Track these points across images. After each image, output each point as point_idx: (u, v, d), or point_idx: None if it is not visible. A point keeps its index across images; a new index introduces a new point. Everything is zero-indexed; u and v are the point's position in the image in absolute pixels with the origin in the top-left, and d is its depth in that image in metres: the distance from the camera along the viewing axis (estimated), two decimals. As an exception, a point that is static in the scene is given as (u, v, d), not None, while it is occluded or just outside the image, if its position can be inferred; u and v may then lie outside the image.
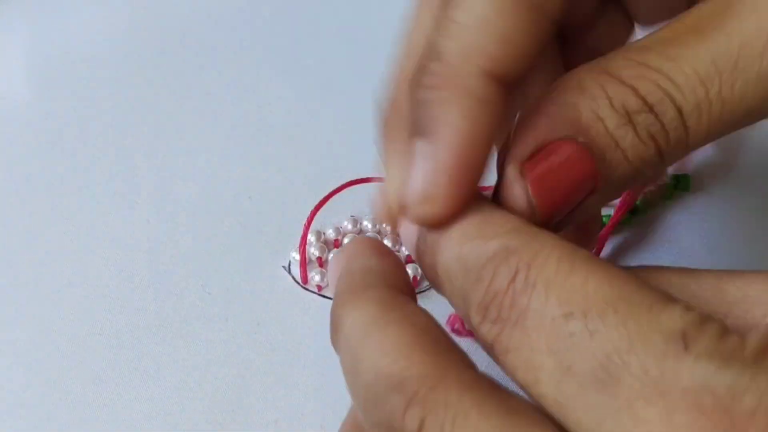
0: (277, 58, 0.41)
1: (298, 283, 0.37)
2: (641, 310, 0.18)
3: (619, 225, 0.38)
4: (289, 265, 0.38)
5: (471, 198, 0.22)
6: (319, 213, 0.39)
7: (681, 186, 0.38)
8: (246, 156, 0.39)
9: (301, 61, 0.41)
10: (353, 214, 0.39)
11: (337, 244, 0.38)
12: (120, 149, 0.40)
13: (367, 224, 0.38)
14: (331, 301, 0.36)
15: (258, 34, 0.41)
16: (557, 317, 0.19)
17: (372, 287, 0.23)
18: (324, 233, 0.38)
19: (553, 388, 0.19)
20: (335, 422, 0.35)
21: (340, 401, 0.35)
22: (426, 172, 0.22)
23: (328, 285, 0.37)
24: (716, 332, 0.18)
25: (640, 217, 0.38)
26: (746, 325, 0.21)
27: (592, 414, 0.18)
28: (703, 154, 0.39)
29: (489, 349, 0.21)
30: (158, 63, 0.41)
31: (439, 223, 0.22)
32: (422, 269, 0.24)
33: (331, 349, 0.36)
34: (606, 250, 0.38)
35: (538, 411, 0.19)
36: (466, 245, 0.21)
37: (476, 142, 0.22)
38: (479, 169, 0.23)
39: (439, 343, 0.21)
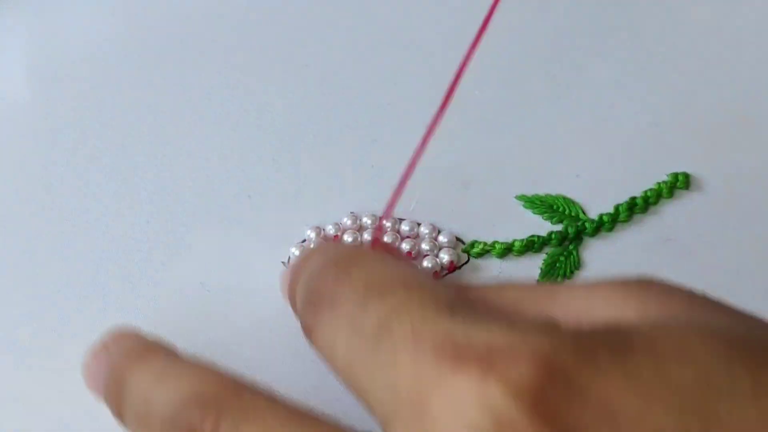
0: (278, 56, 0.41)
1: (298, 279, 0.37)
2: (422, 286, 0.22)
3: (617, 223, 0.38)
4: (288, 260, 0.37)
5: None
6: (317, 209, 0.39)
7: (680, 184, 0.38)
8: (245, 153, 0.39)
9: (301, 59, 0.41)
10: (353, 210, 0.38)
11: (336, 240, 0.38)
12: (118, 147, 0.40)
13: (366, 220, 0.38)
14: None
15: (258, 33, 0.41)
16: (359, 292, 0.22)
17: (150, 348, 0.27)
18: (323, 229, 0.38)
19: (344, 354, 0.22)
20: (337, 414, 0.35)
21: (340, 400, 0.35)
22: None
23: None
24: (470, 303, 0.21)
25: (638, 215, 0.38)
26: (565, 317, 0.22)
27: (369, 368, 0.21)
28: (701, 151, 0.39)
29: (305, 332, 0.24)
30: (158, 62, 0.41)
31: None
32: None
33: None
34: (605, 248, 0.38)
35: (329, 418, 0.22)
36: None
37: None
38: None
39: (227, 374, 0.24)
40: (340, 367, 0.22)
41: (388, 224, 0.38)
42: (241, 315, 0.36)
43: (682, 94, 0.40)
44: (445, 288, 0.22)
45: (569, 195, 0.39)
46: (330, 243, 0.27)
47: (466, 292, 0.24)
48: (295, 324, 0.36)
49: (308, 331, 0.24)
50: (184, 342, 0.35)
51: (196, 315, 0.36)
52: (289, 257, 0.37)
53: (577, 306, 0.22)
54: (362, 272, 0.23)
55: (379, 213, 0.38)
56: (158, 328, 0.36)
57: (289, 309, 0.36)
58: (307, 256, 0.27)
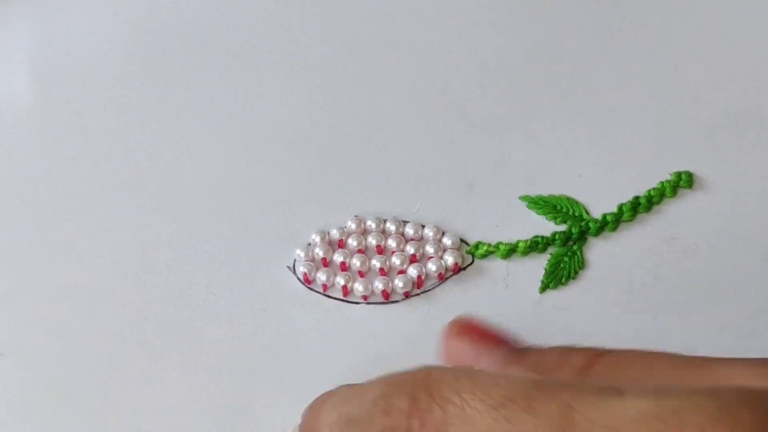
0: (283, 58, 0.41)
1: (302, 282, 0.37)
2: (563, 385, 0.21)
3: (620, 222, 0.38)
4: (294, 264, 0.38)
5: None
6: (323, 213, 0.39)
7: (683, 183, 0.38)
8: (251, 156, 0.40)
9: (305, 61, 0.41)
10: (357, 213, 0.39)
11: (341, 244, 0.38)
12: (123, 150, 0.40)
13: (371, 224, 0.38)
14: (335, 302, 0.37)
15: (263, 34, 0.42)
16: (488, 411, 0.20)
17: None
18: (328, 233, 0.38)
19: None
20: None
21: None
22: None
23: (334, 285, 0.37)
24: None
25: (642, 214, 0.38)
26: None
27: None
28: (705, 151, 0.39)
29: None
30: (162, 63, 0.41)
31: None
32: None
33: (336, 349, 0.36)
34: (609, 248, 0.38)
35: None
36: (344, 405, 0.23)
37: None
38: None
39: None
40: None
41: (392, 227, 0.38)
42: (246, 317, 0.37)
43: (686, 93, 0.40)
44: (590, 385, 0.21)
45: (573, 195, 0.39)
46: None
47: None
48: (299, 325, 0.36)
49: None
50: (188, 343, 0.36)
51: (201, 317, 0.37)
52: (295, 260, 0.38)
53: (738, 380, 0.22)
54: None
55: (384, 216, 0.39)
56: (163, 329, 0.36)
57: (294, 310, 0.36)
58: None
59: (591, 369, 0.23)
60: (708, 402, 0.19)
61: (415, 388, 0.22)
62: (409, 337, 0.36)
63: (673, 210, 0.38)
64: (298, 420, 0.35)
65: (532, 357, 0.24)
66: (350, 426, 0.22)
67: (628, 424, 0.19)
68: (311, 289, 0.37)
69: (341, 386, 0.25)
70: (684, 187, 0.39)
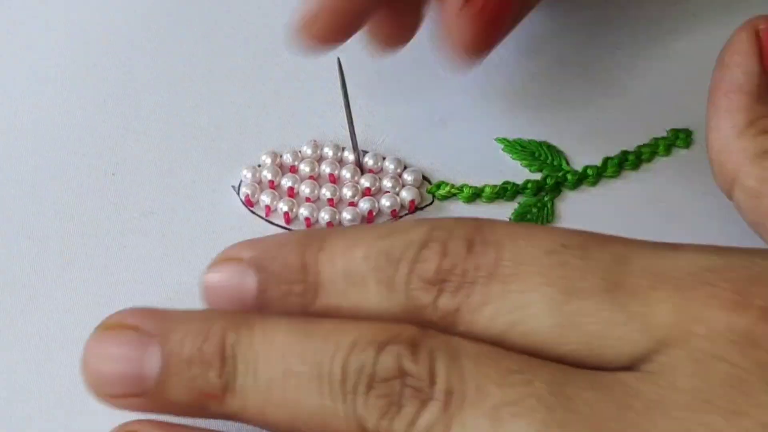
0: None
1: (244, 204, 0.34)
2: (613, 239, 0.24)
3: (602, 177, 0.34)
4: (239, 184, 0.35)
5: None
6: (277, 134, 0.36)
7: (680, 142, 0.34)
8: (207, 71, 0.37)
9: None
10: (315, 138, 0.35)
11: (293, 170, 0.35)
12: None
13: (327, 151, 0.35)
14: (277, 229, 0.34)
15: None
16: (541, 256, 0.22)
17: None
18: (281, 156, 0.35)
19: (551, 313, 0.22)
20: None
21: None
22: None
23: (276, 210, 0.34)
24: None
25: (628, 171, 0.34)
26: None
27: (601, 315, 0.22)
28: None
29: (440, 315, 0.23)
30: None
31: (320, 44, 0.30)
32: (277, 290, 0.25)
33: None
34: (584, 203, 0.34)
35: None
36: (382, 240, 0.24)
37: None
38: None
39: None
40: (546, 328, 0.22)
41: (350, 156, 0.35)
42: (180, 235, 0.34)
43: (703, 43, 0.36)
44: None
45: (556, 142, 0.35)
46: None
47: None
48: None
49: (457, 312, 0.23)
50: (116, 255, 0.33)
51: (132, 229, 0.34)
52: (241, 181, 0.35)
53: None
54: (513, 235, 0.24)
55: (342, 143, 0.35)
56: (90, 237, 0.33)
57: (232, 232, 0.33)
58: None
59: None
60: (756, 259, 0.22)
61: (469, 231, 0.23)
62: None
63: (663, 170, 0.34)
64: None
65: None
66: (387, 259, 0.23)
67: (679, 272, 0.21)
68: (253, 212, 0.34)
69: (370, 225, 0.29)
70: (680, 147, 0.35)
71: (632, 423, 0.20)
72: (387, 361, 0.22)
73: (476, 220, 0.23)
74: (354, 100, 0.35)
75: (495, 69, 0.36)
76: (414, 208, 0.34)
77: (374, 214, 0.34)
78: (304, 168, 0.35)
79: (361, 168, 0.35)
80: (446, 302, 0.23)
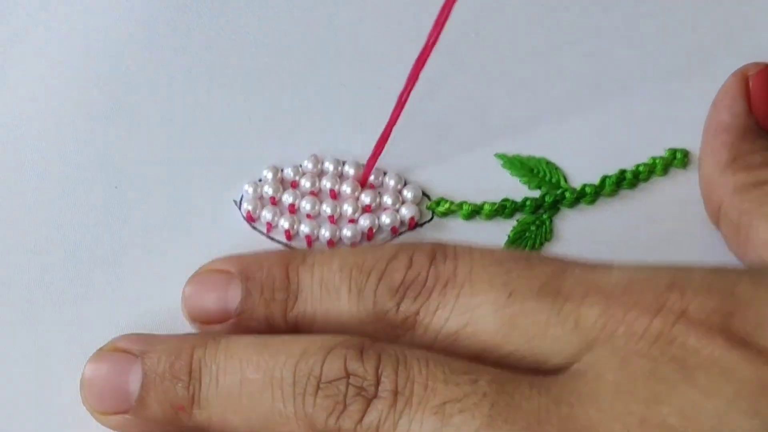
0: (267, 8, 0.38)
1: (246, 220, 0.34)
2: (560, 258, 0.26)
3: (599, 196, 0.34)
4: (241, 199, 0.35)
5: None
6: (278, 148, 0.36)
7: (677, 162, 0.35)
8: (209, 85, 0.37)
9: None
10: (315, 152, 0.36)
11: (294, 185, 0.35)
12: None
13: (328, 165, 0.35)
14: (278, 245, 0.34)
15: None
16: (492, 265, 0.25)
17: None
18: (281, 171, 0.35)
19: (495, 315, 0.25)
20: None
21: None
22: None
23: (277, 226, 0.34)
24: None
25: (625, 190, 0.35)
26: None
27: (538, 318, 0.24)
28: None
29: (401, 319, 0.26)
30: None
31: None
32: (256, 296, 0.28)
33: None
34: (582, 221, 0.34)
35: None
36: (356, 255, 0.27)
37: None
38: None
39: None
40: (491, 328, 0.25)
41: (351, 171, 0.35)
42: (180, 251, 0.34)
43: (701, 61, 0.36)
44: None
45: (555, 159, 0.35)
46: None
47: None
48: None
49: (415, 316, 0.26)
50: (118, 271, 0.33)
51: (134, 245, 0.34)
52: (242, 196, 0.35)
53: None
54: (471, 252, 0.27)
55: (343, 158, 0.35)
56: (93, 252, 0.34)
57: (233, 248, 0.34)
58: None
59: None
60: (678, 272, 0.25)
61: (433, 248, 0.26)
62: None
63: (660, 190, 0.35)
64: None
65: None
66: (361, 271, 0.26)
67: (609, 283, 0.24)
68: (254, 228, 0.35)
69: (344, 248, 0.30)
70: (677, 167, 0.35)
71: (568, 415, 0.22)
72: (333, 363, 0.24)
73: (437, 242, 0.27)
74: (354, 116, 0.36)
75: (494, 85, 0.36)
76: (414, 224, 0.34)
77: (374, 231, 0.34)
78: (305, 183, 0.35)
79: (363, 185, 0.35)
80: (407, 307, 0.25)
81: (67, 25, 0.38)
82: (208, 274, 0.30)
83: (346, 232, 0.34)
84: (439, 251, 0.26)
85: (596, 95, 0.36)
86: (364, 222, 0.34)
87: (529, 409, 0.23)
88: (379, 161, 0.35)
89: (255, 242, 0.34)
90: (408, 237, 0.34)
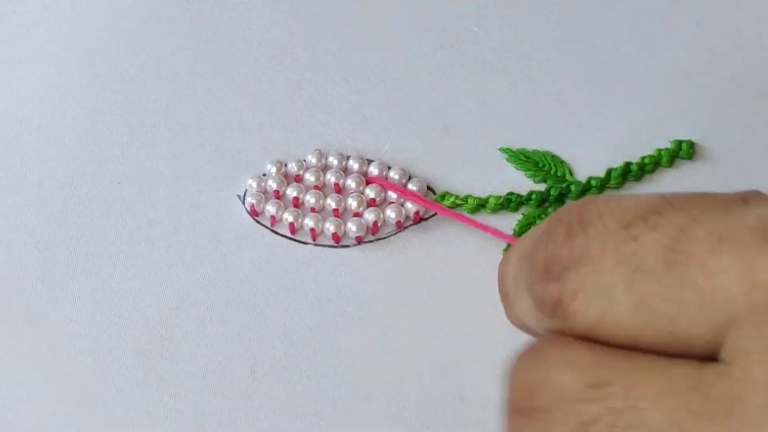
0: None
1: (250, 214, 0.34)
2: (696, 200, 0.21)
3: (605, 189, 0.34)
4: (245, 194, 0.35)
5: None
6: (282, 142, 0.36)
7: (683, 153, 0.34)
8: (212, 80, 0.36)
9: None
10: (319, 147, 0.35)
11: (298, 179, 0.35)
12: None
13: (332, 160, 0.35)
14: (282, 239, 0.34)
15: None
16: (618, 231, 0.21)
17: None
18: (285, 165, 0.35)
19: (628, 296, 0.20)
20: (265, 367, 0.32)
21: (272, 346, 0.32)
22: None
23: (282, 220, 0.34)
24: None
25: (631, 183, 0.34)
26: None
27: (670, 294, 0.20)
28: (711, 117, 0.35)
29: (554, 310, 0.22)
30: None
31: None
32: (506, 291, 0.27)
33: (271, 290, 0.33)
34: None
35: None
36: (525, 240, 0.24)
37: None
38: None
39: None
40: (626, 313, 0.20)
41: (355, 165, 0.35)
42: (185, 245, 0.34)
43: (706, 52, 0.36)
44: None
45: (559, 152, 0.35)
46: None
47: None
48: (239, 260, 0.34)
49: (560, 303, 0.21)
50: (121, 264, 0.33)
51: (138, 239, 0.34)
52: (246, 190, 0.35)
53: None
54: (603, 215, 0.22)
55: (347, 152, 0.35)
56: (97, 247, 0.34)
57: (237, 243, 0.34)
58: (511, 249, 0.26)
59: None
60: None
61: (570, 216, 0.22)
62: (355, 285, 0.33)
63: (666, 182, 0.35)
64: (226, 360, 0.32)
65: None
66: (522, 261, 0.24)
67: (744, 230, 0.19)
68: (258, 222, 0.34)
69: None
70: (683, 158, 0.35)
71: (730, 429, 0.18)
72: None
73: (583, 201, 0.22)
74: (358, 109, 0.36)
75: (498, 78, 0.36)
76: (419, 218, 0.34)
77: (379, 224, 0.34)
78: (309, 177, 0.35)
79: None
80: (550, 292, 0.22)
81: (69, 21, 0.38)
82: None
83: (351, 225, 0.34)
84: (576, 218, 0.22)
85: (601, 87, 0.36)
86: (369, 216, 0.34)
87: (680, 418, 0.19)
88: (383, 155, 0.35)
89: (259, 236, 0.34)
90: (413, 231, 0.34)
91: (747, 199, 0.20)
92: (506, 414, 0.22)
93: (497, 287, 0.28)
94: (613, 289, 0.20)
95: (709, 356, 0.19)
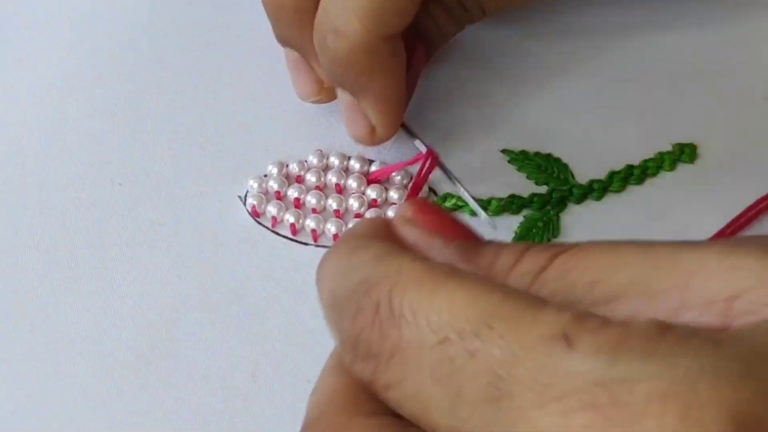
0: None
1: (251, 215, 0.34)
2: (516, 321, 0.18)
3: (607, 192, 0.34)
4: (246, 195, 0.35)
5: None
6: (283, 143, 0.36)
7: (685, 157, 0.35)
8: (213, 81, 0.36)
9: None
10: (320, 147, 0.35)
11: (299, 180, 0.35)
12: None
13: (334, 160, 0.35)
14: (283, 240, 0.34)
15: None
16: (433, 345, 0.18)
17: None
18: (287, 166, 0.35)
19: (445, 416, 0.18)
20: (267, 369, 0.32)
21: (273, 348, 0.32)
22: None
23: (283, 221, 0.34)
24: (597, 325, 0.17)
25: (632, 185, 0.34)
26: (703, 298, 0.18)
27: (491, 430, 0.18)
28: (713, 120, 0.35)
29: (370, 386, 0.20)
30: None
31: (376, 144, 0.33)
32: None
33: (272, 291, 0.33)
34: (589, 217, 0.34)
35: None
36: (335, 280, 0.21)
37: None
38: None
39: None
40: (443, 424, 0.19)
41: (356, 165, 0.35)
42: (187, 247, 0.34)
43: (705, 58, 0.36)
44: (532, 308, 0.18)
45: (561, 155, 0.35)
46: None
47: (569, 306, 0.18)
48: (241, 261, 0.33)
49: (372, 383, 0.20)
50: (124, 267, 0.33)
51: (140, 241, 0.34)
52: (247, 191, 0.35)
53: (720, 292, 0.18)
54: (415, 310, 0.19)
55: (348, 153, 0.35)
56: (98, 249, 0.33)
57: (238, 243, 0.34)
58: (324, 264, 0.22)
59: (548, 270, 0.19)
60: (663, 371, 0.16)
61: (380, 295, 0.19)
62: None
63: (668, 185, 0.35)
64: (228, 362, 0.32)
65: (488, 255, 0.20)
66: (332, 307, 0.21)
67: (571, 392, 0.17)
68: (259, 223, 0.34)
69: (343, 240, 0.22)
70: (684, 162, 0.35)
71: None
72: None
73: (398, 271, 0.20)
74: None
75: (500, 80, 0.36)
76: (420, 220, 0.34)
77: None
78: (311, 178, 0.35)
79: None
80: (362, 368, 0.20)
81: (71, 23, 0.38)
82: None
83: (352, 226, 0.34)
84: (384, 300, 0.20)
85: (603, 91, 0.36)
86: (371, 216, 0.34)
87: None
88: (385, 156, 0.35)
89: (260, 237, 0.34)
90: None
91: (572, 341, 0.17)
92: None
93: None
94: (431, 402, 0.19)
95: None
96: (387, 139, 0.33)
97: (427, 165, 0.34)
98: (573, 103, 0.36)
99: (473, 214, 0.34)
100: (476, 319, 0.18)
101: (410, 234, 0.21)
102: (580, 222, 0.34)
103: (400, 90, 0.32)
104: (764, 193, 0.33)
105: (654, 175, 0.35)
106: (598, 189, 0.34)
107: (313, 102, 0.33)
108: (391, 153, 0.35)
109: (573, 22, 0.37)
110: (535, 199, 0.34)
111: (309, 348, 0.32)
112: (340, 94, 0.33)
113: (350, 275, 0.20)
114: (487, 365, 0.18)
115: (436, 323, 0.18)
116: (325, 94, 0.34)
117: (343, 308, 0.20)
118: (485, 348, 0.18)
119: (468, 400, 0.18)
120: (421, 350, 0.19)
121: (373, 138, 0.33)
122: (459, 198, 0.34)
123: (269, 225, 0.34)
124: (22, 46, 0.37)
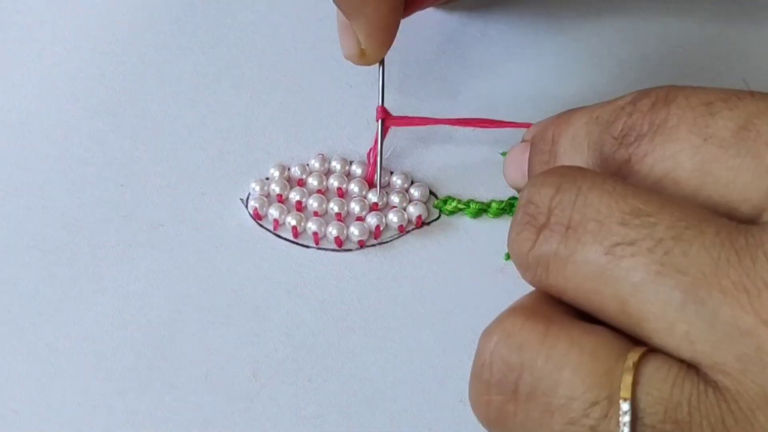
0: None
1: (253, 218, 0.34)
2: None
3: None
4: (248, 197, 0.35)
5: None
6: (284, 147, 0.36)
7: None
8: (216, 84, 0.37)
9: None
10: (321, 151, 0.36)
11: (301, 183, 0.35)
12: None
13: (335, 164, 0.35)
14: (284, 243, 0.34)
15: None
16: (699, 107, 0.23)
17: None
18: (289, 169, 0.35)
19: (692, 160, 0.23)
20: (268, 370, 0.32)
21: (274, 349, 0.32)
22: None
23: (284, 224, 0.34)
24: None
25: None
26: None
27: (732, 162, 0.22)
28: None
29: (617, 166, 0.24)
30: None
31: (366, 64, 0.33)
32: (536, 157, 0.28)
33: (273, 293, 0.33)
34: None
35: None
36: (600, 108, 0.26)
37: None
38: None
39: None
40: (686, 176, 0.23)
41: (358, 170, 0.35)
42: (188, 248, 0.34)
43: (705, 58, 0.36)
44: None
45: (561, 158, 0.35)
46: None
47: None
48: (242, 263, 0.34)
49: (627, 163, 0.24)
50: (124, 267, 0.33)
51: (141, 242, 0.34)
52: (249, 194, 0.35)
53: None
54: (688, 95, 0.24)
55: (350, 157, 0.36)
56: (100, 250, 0.34)
57: (240, 245, 0.34)
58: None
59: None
60: None
61: (658, 93, 0.24)
62: (357, 289, 0.33)
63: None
64: (228, 362, 0.32)
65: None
66: (593, 125, 0.25)
67: None
68: (261, 226, 0.34)
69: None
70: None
71: (749, 269, 0.20)
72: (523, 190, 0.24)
73: (669, 87, 0.24)
74: (361, 116, 0.36)
75: (500, 82, 0.36)
76: (421, 223, 0.34)
77: (381, 229, 0.34)
78: (312, 182, 0.35)
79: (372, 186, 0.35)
80: (621, 153, 0.24)
81: (73, 24, 0.38)
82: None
83: (353, 229, 0.34)
84: (662, 94, 0.24)
85: (603, 92, 0.36)
86: (372, 220, 0.34)
87: (706, 259, 0.21)
88: (386, 161, 0.35)
89: (261, 240, 0.34)
90: (415, 235, 0.34)
91: None
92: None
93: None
94: (680, 153, 0.23)
95: (749, 221, 0.22)
96: (375, 61, 0.34)
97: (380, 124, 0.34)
98: (574, 105, 0.36)
99: (475, 216, 0.34)
100: (740, 91, 0.23)
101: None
102: (580, 224, 0.34)
103: (390, 17, 0.33)
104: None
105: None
106: (598, 191, 0.34)
107: (356, 64, 0.33)
108: (393, 157, 0.36)
109: (574, 24, 0.37)
110: (536, 201, 0.34)
111: (310, 348, 0.32)
112: (337, 13, 0.33)
113: (616, 101, 0.25)
114: (742, 116, 0.23)
115: (704, 95, 0.24)
116: (365, 57, 0.34)
117: (613, 115, 0.25)
118: (743, 104, 0.23)
119: (716, 141, 0.23)
120: (685, 113, 0.23)
121: (362, 59, 0.33)
122: (460, 201, 0.34)
123: (271, 228, 0.34)
124: (23, 47, 0.38)
